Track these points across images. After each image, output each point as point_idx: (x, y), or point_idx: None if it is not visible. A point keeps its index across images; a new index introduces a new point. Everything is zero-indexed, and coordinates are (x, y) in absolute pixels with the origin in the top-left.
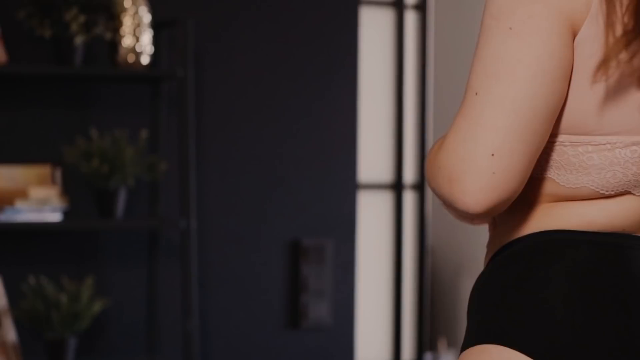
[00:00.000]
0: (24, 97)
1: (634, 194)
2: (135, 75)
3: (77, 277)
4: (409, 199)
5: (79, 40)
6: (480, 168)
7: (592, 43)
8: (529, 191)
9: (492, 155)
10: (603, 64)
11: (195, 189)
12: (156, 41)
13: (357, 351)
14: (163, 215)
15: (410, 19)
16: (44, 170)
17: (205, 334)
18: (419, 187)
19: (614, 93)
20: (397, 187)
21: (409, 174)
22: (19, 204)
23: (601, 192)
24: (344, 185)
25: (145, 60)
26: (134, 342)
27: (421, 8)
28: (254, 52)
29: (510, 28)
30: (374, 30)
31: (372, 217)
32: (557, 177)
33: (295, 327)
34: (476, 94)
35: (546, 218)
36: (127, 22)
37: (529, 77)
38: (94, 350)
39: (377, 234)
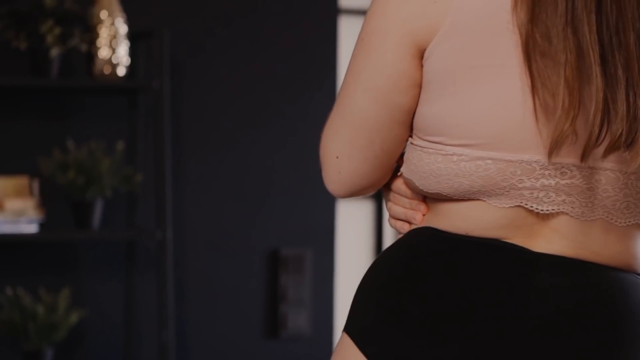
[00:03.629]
0: (0, 109)
1: (486, 202)
2: (112, 86)
3: (54, 288)
4: None
5: (55, 52)
6: (330, 166)
7: (444, 57)
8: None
9: (337, 157)
10: None
11: (172, 199)
12: (133, 52)
13: None
14: (140, 226)
15: None
16: (21, 181)
17: (182, 344)
18: None
19: (463, 105)
20: (377, 195)
21: None
22: None
23: (454, 198)
24: (324, 195)
25: (121, 71)
26: (110, 353)
27: None
28: (232, 62)
29: (362, 40)
30: (354, 39)
31: (352, 226)
32: (417, 181)
33: (274, 337)
34: (338, 96)
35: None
36: (103, 33)
37: (362, 91)
38: None
39: (357, 243)
